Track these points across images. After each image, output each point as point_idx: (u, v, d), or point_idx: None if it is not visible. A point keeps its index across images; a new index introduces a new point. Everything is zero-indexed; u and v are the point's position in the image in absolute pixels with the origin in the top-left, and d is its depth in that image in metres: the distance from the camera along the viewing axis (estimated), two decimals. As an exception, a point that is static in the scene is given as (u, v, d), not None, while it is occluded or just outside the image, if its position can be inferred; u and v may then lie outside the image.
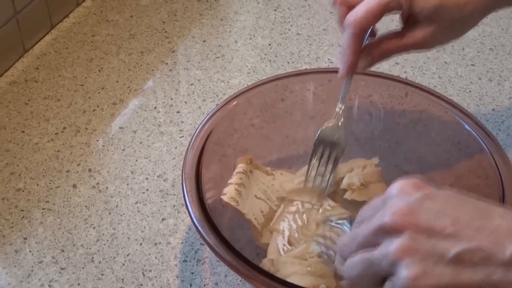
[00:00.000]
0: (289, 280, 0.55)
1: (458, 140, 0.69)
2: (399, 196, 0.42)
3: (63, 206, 0.72)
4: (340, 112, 0.65)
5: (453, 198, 0.42)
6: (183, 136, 0.81)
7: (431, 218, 0.40)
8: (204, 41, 0.97)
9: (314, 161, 0.65)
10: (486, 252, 0.39)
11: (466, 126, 0.67)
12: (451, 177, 0.68)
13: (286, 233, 0.63)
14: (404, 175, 0.69)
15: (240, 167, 0.66)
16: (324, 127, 0.65)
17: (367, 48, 0.61)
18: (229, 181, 0.64)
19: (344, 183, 0.65)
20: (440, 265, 0.39)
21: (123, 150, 0.79)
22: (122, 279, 0.64)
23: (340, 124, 0.65)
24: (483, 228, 0.40)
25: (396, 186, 0.43)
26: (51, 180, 0.75)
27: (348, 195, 0.64)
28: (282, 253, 0.62)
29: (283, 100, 0.74)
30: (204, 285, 0.64)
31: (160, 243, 0.68)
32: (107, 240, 0.68)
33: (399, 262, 0.40)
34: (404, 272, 0.39)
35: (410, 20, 0.61)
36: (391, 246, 0.40)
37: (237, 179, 0.64)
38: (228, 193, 0.62)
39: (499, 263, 0.39)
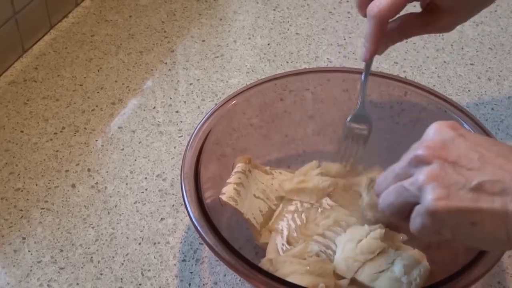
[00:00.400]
0: (288, 279, 0.55)
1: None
2: (435, 134, 0.47)
3: (62, 206, 0.72)
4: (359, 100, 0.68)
5: (483, 140, 0.47)
6: (182, 136, 0.81)
7: (460, 153, 0.45)
8: (203, 40, 0.97)
9: (346, 144, 0.69)
10: (505, 184, 0.43)
11: (465, 125, 0.67)
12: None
13: (285, 232, 0.63)
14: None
15: (239, 166, 0.66)
16: (354, 113, 0.69)
17: (388, 33, 0.63)
18: (227, 181, 0.64)
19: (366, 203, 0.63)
20: (462, 191, 0.44)
21: (122, 149, 0.79)
22: (121, 279, 0.64)
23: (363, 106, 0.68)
24: (505, 166, 0.44)
25: (434, 126, 0.48)
26: (50, 180, 0.75)
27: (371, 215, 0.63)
28: (281, 253, 0.62)
29: (282, 100, 0.74)
30: (203, 284, 0.64)
31: (159, 243, 0.68)
32: (106, 240, 0.68)
33: (426, 186, 0.44)
34: (429, 194, 0.44)
35: (430, 7, 0.63)
36: (421, 173, 0.45)
37: (236, 178, 0.64)
38: (227, 193, 0.62)
39: None
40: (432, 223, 0.45)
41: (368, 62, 0.66)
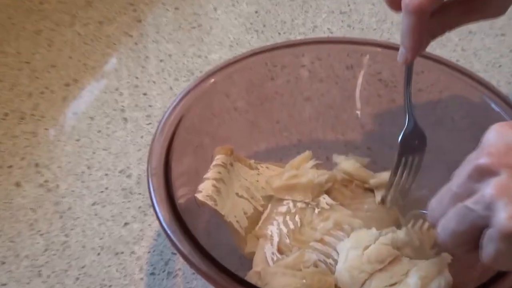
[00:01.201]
0: (280, 295, 0.55)
1: (486, 125, 0.69)
2: (496, 137, 0.45)
3: (4, 209, 0.71)
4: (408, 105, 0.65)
5: None
6: (150, 123, 0.81)
7: None
8: (176, 8, 0.97)
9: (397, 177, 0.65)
10: None
11: (496, 107, 0.67)
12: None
13: (276, 239, 0.63)
14: (423, 168, 0.70)
15: (218, 159, 0.65)
16: (404, 132, 0.65)
17: (428, 27, 0.62)
18: (205, 176, 0.63)
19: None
20: None
21: (78, 140, 0.79)
22: (76, 297, 0.64)
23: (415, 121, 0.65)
24: None
25: (493, 128, 0.47)
26: (-11, 178, 0.75)
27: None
28: (271, 263, 0.61)
29: (272, 79, 0.74)
30: (176, 303, 0.64)
31: (122, 253, 0.68)
32: (58, 250, 0.68)
33: (496, 202, 0.42)
34: (502, 212, 0.42)
35: None
36: (487, 187, 0.43)
37: (215, 173, 0.63)
38: (204, 191, 0.62)
39: None
40: (509, 248, 0.43)
41: (410, 64, 0.64)
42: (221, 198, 0.62)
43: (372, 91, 0.74)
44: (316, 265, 0.59)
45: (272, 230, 0.64)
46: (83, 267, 0.66)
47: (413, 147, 0.65)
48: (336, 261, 0.60)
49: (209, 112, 0.70)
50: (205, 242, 0.56)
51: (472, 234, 0.45)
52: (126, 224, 0.71)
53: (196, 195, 0.62)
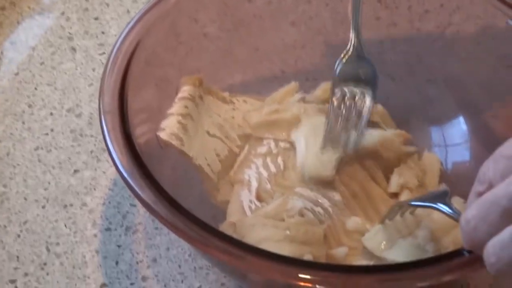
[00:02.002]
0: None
1: (504, 52, 0.69)
2: None
3: None
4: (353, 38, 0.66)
5: None
6: (104, 53, 0.80)
7: None
8: None
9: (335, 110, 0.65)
10: None
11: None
12: (495, 106, 0.69)
13: (254, 184, 0.63)
14: (428, 101, 0.70)
15: (185, 90, 0.65)
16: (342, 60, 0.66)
17: None
18: (169, 111, 0.64)
19: (394, 184, 0.64)
20: None
21: (16, 74, 0.79)
22: (17, 257, 0.64)
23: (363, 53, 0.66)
24: None
25: None
26: None
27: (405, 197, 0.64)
28: (249, 213, 0.62)
29: (250, 0, 0.73)
30: (137, 262, 0.64)
31: (71, 205, 0.68)
32: (-6, 203, 0.68)
33: None
34: None
35: None
36: None
37: (181, 107, 0.64)
38: (168, 128, 0.62)
39: None
40: None
41: None
42: (189, 137, 0.62)
43: (369, 13, 0.74)
44: (301, 214, 0.60)
45: (250, 174, 0.64)
46: (25, 223, 0.67)
47: (357, 81, 0.65)
48: (325, 209, 0.61)
49: (173, 38, 0.69)
50: (171, 191, 0.56)
51: None
52: (75, 171, 0.71)
53: (158, 133, 0.62)
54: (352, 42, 0.67)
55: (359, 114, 0.65)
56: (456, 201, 0.58)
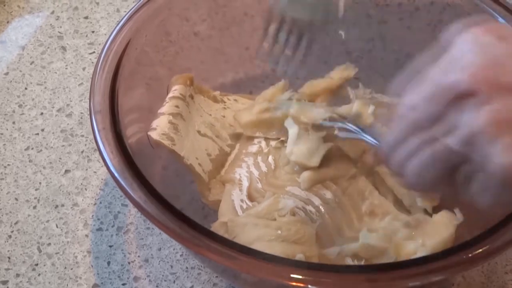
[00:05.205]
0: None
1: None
2: (474, 48, 0.41)
3: None
4: None
5: None
6: (94, 52, 0.80)
7: None
8: None
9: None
10: None
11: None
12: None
13: (245, 183, 0.63)
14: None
15: (176, 90, 0.65)
16: None
17: None
18: (160, 111, 0.64)
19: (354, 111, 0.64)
20: None
21: (6, 74, 0.78)
22: (8, 258, 0.64)
23: None
24: None
25: (467, 39, 0.42)
26: None
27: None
28: (240, 213, 0.62)
29: (240, -3, 0.74)
30: (129, 262, 0.64)
31: (63, 206, 0.68)
32: (-15, 203, 0.68)
33: (494, 142, 0.39)
34: (505, 157, 0.39)
35: None
36: (477, 118, 0.40)
37: (172, 107, 0.64)
38: (159, 128, 0.62)
39: None
40: (510, 189, 0.40)
41: None
42: (180, 137, 0.62)
43: (360, 10, 0.74)
44: (293, 213, 0.60)
45: (241, 173, 0.64)
46: (16, 223, 0.67)
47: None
48: (317, 209, 0.61)
49: (163, 37, 0.69)
50: (163, 191, 0.56)
51: (448, 174, 0.43)
52: (66, 171, 0.71)
53: (149, 133, 0.62)
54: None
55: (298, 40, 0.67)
56: (445, 214, 0.60)
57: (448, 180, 0.43)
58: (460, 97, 0.40)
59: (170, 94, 0.65)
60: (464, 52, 0.41)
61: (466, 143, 0.40)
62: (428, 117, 0.42)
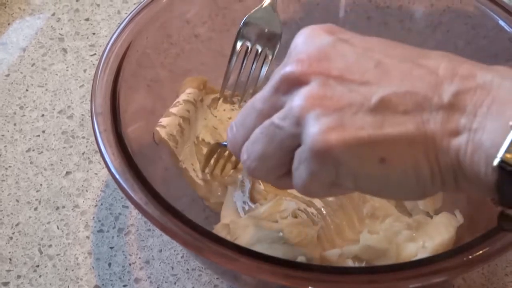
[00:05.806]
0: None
1: (496, 51, 0.69)
2: (306, 41, 0.45)
3: None
4: None
5: (377, 42, 0.45)
6: (95, 54, 0.81)
7: (348, 63, 0.43)
8: None
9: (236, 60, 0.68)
10: (418, 96, 0.41)
11: (509, 29, 0.67)
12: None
13: (247, 185, 0.63)
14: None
15: (191, 94, 0.66)
16: (252, 11, 0.67)
17: None
18: (171, 110, 0.64)
19: None
20: (359, 114, 0.42)
21: (7, 76, 0.78)
22: (10, 259, 0.64)
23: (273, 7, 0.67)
24: (415, 69, 0.42)
25: (303, 31, 0.46)
26: None
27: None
28: (242, 214, 0.62)
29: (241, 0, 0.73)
30: (130, 264, 0.64)
31: (64, 207, 0.68)
32: (-14, 205, 0.68)
33: (306, 115, 0.42)
34: (313, 126, 0.42)
35: None
36: (296, 98, 0.43)
37: (184, 111, 0.64)
38: (169, 127, 0.62)
39: (434, 108, 0.41)
40: (323, 169, 0.43)
41: None
42: (182, 141, 0.63)
43: (361, 13, 0.74)
44: (295, 216, 0.60)
45: (243, 175, 0.64)
46: (17, 225, 0.67)
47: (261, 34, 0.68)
48: (319, 211, 0.61)
49: (165, 40, 0.69)
50: (164, 192, 0.56)
51: (283, 157, 0.45)
52: (67, 173, 0.71)
53: (158, 129, 0.62)
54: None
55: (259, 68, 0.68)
56: (446, 216, 0.60)
57: (283, 167, 0.46)
58: (293, 84, 0.43)
59: (184, 97, 0.65)
60: (297, 44, 0.45)
61: (284, 117, 0.44)
62: (270, 107, 0.45)
